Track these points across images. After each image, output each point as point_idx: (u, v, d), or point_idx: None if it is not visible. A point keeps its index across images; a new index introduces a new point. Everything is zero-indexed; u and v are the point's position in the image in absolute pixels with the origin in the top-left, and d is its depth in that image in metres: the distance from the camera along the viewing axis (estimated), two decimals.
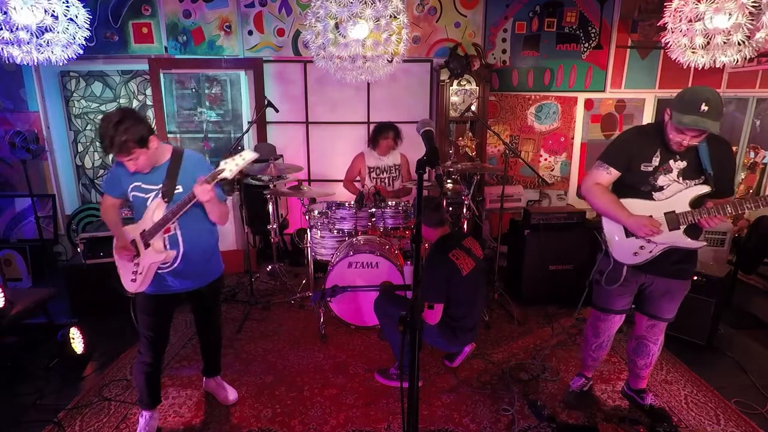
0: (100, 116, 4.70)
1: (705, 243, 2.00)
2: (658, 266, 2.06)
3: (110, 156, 2.08)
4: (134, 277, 2.07)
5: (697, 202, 1.95)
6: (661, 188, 1.99)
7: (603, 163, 2.08)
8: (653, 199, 2.00)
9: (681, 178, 1.97)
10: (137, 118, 1.86)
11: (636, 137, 2.05)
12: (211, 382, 2.53)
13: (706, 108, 1.75)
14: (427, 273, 2.43)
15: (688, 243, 1.98)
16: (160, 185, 2.00)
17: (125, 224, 2.12)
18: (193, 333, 3.17)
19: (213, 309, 2.36)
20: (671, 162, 1.97)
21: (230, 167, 1.90)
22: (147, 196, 2.01)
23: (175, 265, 2.06)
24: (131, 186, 2.01)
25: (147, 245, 2.03)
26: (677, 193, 1.97)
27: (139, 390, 2.21)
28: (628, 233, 2.03)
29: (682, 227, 1.96)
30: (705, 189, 1.94)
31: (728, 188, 1.99)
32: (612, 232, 2.09)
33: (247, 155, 1.91)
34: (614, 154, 2.07)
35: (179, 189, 2.01)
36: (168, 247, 2.04)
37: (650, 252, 2.02)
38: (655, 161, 1.98)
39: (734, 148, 4.39)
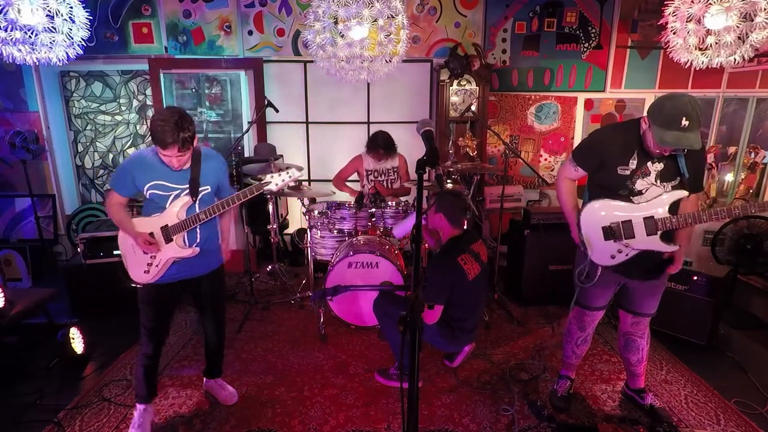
0: (99, 116, 4.70)
1: (678, 247, 1.98)
2: (636, 272, 2.08)
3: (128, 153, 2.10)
4: (147, 269, 2.12)
5: (673, 207, 1.95)
6: (639, 192, 1.98)
7: (573, 159, 2.10)
8: (632, 203, 2.00)
9: (659, 181, 1.96)
10: (190, 116, 1.95)
11: (611, 138, 2.02)
12: (212, 383, 2.54)
13: (686, 123, 1.73)
14: (433, 274, 2.44)
15: (664, 247, 1.98)
16: (185, 185, 2.07)
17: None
18: (193, 333, 3.18)
19: (217, 302, 2.37)
20: (649, 164, 1.95)
21: (276, 182, 2.08)
22: (169, 194, 2.06)
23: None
24: (150, 184, 2.04)
25: (169, 240, 2.10)
26: (656, 197, 1.95)
27: (138, 383, 2.25)
28: (607, 237, 2.03)
29: (659, 232, 1.95)
30: (683, 194, 1.94)
31: (700, 185, 2.01)
32: (590, 234, 2.08)
33: (294, 173, 2.09)
34: (584, 155, 2.08)
35: (207, 189, 2.13)
36: (187, 241, 2.14)
37: (626, 255, 2.04)
38: (632, 164, 1.96)
39: (734, 148, 4.40)
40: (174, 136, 1.87)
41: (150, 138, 1.97)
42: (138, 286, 2.15)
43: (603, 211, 2.04)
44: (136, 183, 2.05)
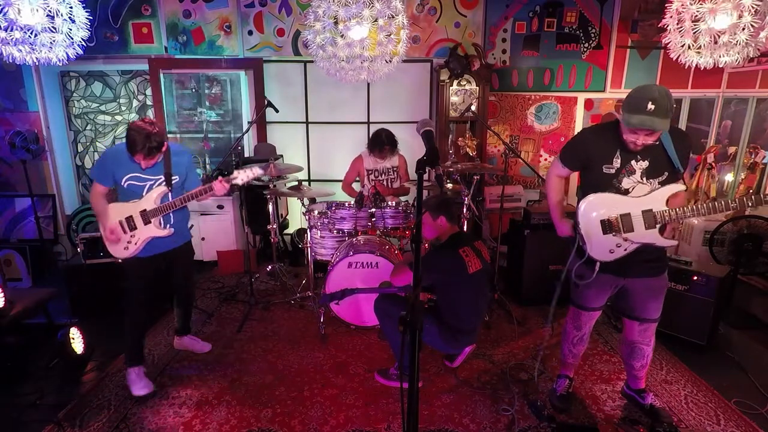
0: (99, 116, 4.71)
1: (676, 242, 1.98)
2: (632, 269, 2.06)
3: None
4: (127, 246, 2.49)
5: (668, 200, 1.96)
6: (627, 191, 1.98)
7: (559, 159, 2.15)
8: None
9: (645, 179, 1.96)
10: (160, 130, 2.33)
11: (593, 137, 2.05)
12: (185, 339, 2.96)
13: (652, 107, 1.75)
14: (429, 254, 2.52)
15: (663, 242, 1.98)
16: (158, 176, 2.47)
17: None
18: (192, 334, 3.17)
19: (188, 268, 2.83)
20: (633, 162, 1.96)
21: (242, 177, 2.50)
22: (143, 184, 2.46)
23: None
24: (128, 176, 2.42)
25: (147, 222, 2.47)
26: (653, 191, 1.96)
27: (131, 348, 2.55)
28: (605, 231, 2.02)
29: (658, 226, 1.95)
30: (681, 188, 1.94)
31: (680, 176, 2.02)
32: (589, 230, 2.06)
33: (257, 171, 2.53)
34: (569, 154, 2.13)
35: (176, 179, 2.53)
36: (163, 223, 2.53)
37: (625, 250, 2.02)
38: (617, 163, 1.97)
39: (734, 148, 4.40)
40: (141, 147, 2.26)
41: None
42: (119, 261, 2.54)
43: (601, 205, 2.03)
44: (114, 176, 2.43)
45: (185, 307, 2.92)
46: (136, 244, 2.48)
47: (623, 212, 1.98)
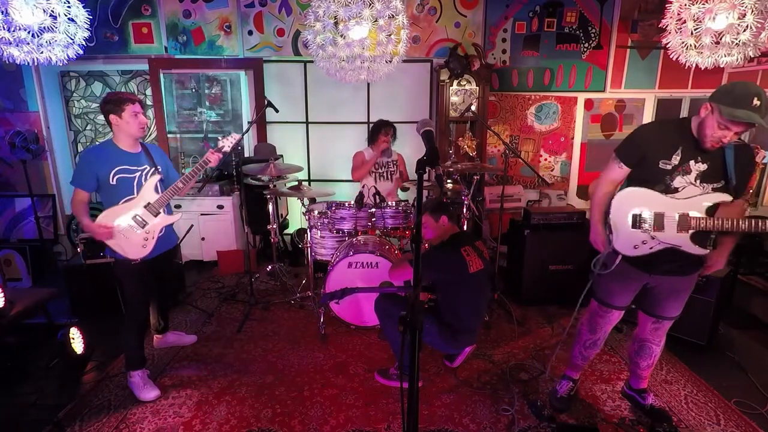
0: (99, 116, 4.70)
1: (708, 251, 1.93)
2: (663, 267, 2.02)
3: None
4: (145, 243, 2.46)
5: (711, 209, 1.90)
6: (675, 189, 1.92)
7: (616, 156, 2.05)
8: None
9: (699, 181, 1.90)
10: None
11: (656, 130, 1.99)
12: (169, 336, 3.00)
13: (758, 102, 1.72)
14: (429, 252, 2.51)
15: (693, 249, 1.92)
16: (145, 166, 2.46)
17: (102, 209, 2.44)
18: (193, 333, 3.17)
19: (172, 270, 2.96)
20: (692, 163, 1.89)
21: (228, 144, 2.58)
22: (133, 176, 2.42)
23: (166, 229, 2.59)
24: (115, 170, 2.37)
25: (156, 213, 2.47)
26: (696, 195, 1.90)
27: (134, 352, 2.52)
28: (634, 224, 1.98)
29: (691, 231, 1.90)
30: (727, 198, 1.88)
31: (743, 189, 1.95)
32: (618, 220, 2.02)
33: (237, 136, 2.63)
34: (628, 149, 2.02)
35: (160, 168, 2.53)
36: (167, 211, 2.55)
37: (650, 248, 1.98)
38: (675, 159, 1.90)
39: None
40: (132, 97, 2.34)
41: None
42: (136, 262, 2.45)
43: (638, 198, 1.98)
44: (99, 176, 2.35)
45: (161, 303, 2.91)
46: (154, 238, 2.47)
47: (658, 210, 1.94)
